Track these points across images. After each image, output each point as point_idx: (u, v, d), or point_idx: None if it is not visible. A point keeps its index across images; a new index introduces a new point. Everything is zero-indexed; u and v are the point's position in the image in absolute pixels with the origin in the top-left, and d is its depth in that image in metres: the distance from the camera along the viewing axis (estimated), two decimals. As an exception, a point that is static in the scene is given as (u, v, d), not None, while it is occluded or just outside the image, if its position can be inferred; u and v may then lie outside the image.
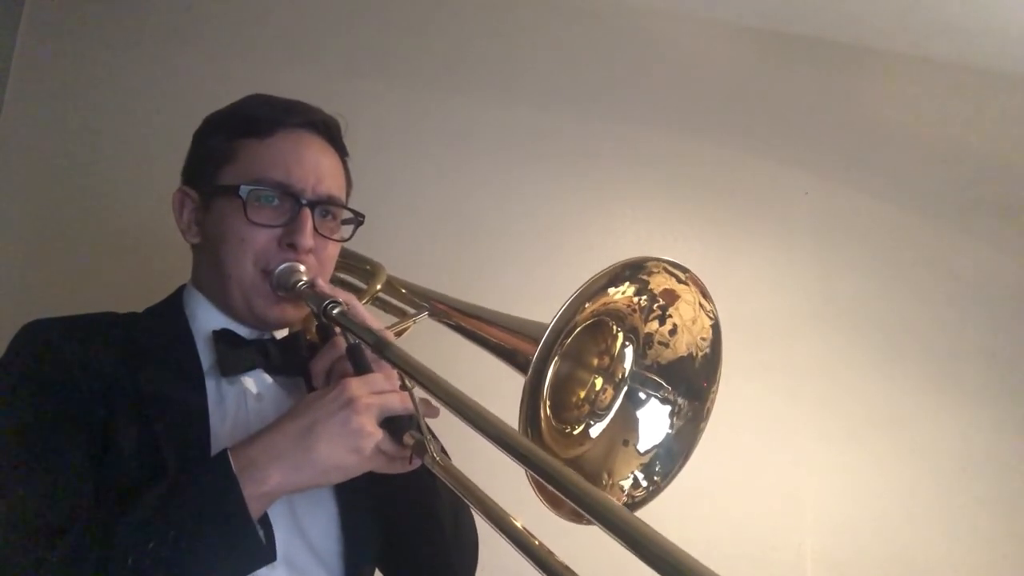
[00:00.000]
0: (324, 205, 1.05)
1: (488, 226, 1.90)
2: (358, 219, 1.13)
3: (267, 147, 1.03)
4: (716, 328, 1.01)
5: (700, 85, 2.10)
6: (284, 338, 1.07)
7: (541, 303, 1.81)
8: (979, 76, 2.21)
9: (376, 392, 0.86)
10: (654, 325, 1.01)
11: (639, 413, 1.02)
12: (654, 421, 1.02)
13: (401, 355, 0.85)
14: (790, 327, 1.98)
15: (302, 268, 1.00)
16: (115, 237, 1.67)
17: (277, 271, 1.00)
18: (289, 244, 1.00)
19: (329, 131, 1.09)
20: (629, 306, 1.00)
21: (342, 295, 0.97)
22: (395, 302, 1.25)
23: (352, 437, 0.82)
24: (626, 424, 1.02)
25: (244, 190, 1.00)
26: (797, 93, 2.14)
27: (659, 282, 0.97)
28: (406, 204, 1.85)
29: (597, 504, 0.61)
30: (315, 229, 1.02)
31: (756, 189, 2.06)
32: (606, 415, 1.03)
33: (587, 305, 0.94)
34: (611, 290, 0.96)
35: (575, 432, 1.02)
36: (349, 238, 1.13)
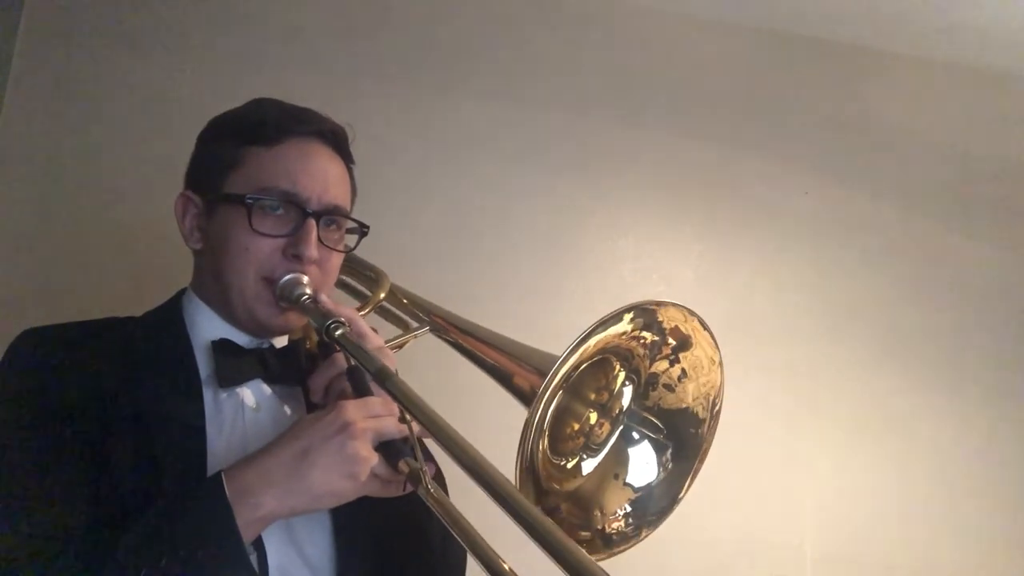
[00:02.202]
0: (329, 215, 1.04)
1: (489, 228, 1.90)
2: (363, 229, 1.12)
3: (274, 155, 1.02)
4: (718, 400, 1.00)
5: (700, 85, 2.10)
6: (283, 347, 1.06)
7: (542, 303, 1.84)
8: (979, 76, 2.21)
9: (373, 416, 0.85)
10: (663, 365, 1.00)
11: (632, 451, 1.02)
12: (647, 461, 1.01)
13: (402, 388, 0.84)
14: (789, 327, 1.99)
15: (306, 280, 0.99)
16: (115, 238, 1.67)
17: (281, 282, 0.99)
18: (294, 255, 0.99)
19: (336, 140, 1.08)
20: (637, 343, 0.99)
21: (345, 312, 0.96)
22: (396, 312, 1.24)
23: (347, 463, 0.81)
24: (618, 459, 1.02)
25: (249, 199, 0.99)
26: (797, 93, 2.14)
27: (671, 316, 0.96)
28: (407, 205, 1.84)
29: (576, 564, 0.62)
30: (319, 239, 1.01)
31: (756, 189, 2.06)
32: (600, 451, 1.02)
33: (593, 343, 0.92)
34: (619, 326, 0.95)
35: (569, 465, 1.02)
36: (354, 248, 1.12)
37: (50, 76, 1.73)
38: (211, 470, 0.89)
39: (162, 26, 1.81)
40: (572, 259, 1.93)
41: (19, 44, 1.72)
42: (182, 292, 1.09)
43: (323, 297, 0.99)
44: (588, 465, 1.01)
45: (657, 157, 2.02)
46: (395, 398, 0.85)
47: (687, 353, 0.98)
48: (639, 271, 1.96)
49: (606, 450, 1.02)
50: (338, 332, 0.92)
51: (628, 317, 0.93)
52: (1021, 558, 1.91)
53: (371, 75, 1.90)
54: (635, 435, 1.02)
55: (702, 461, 1.00)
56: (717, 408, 1.00)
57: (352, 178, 1.12)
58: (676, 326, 0.97)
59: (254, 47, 1.84)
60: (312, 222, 1.00)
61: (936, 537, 1.90)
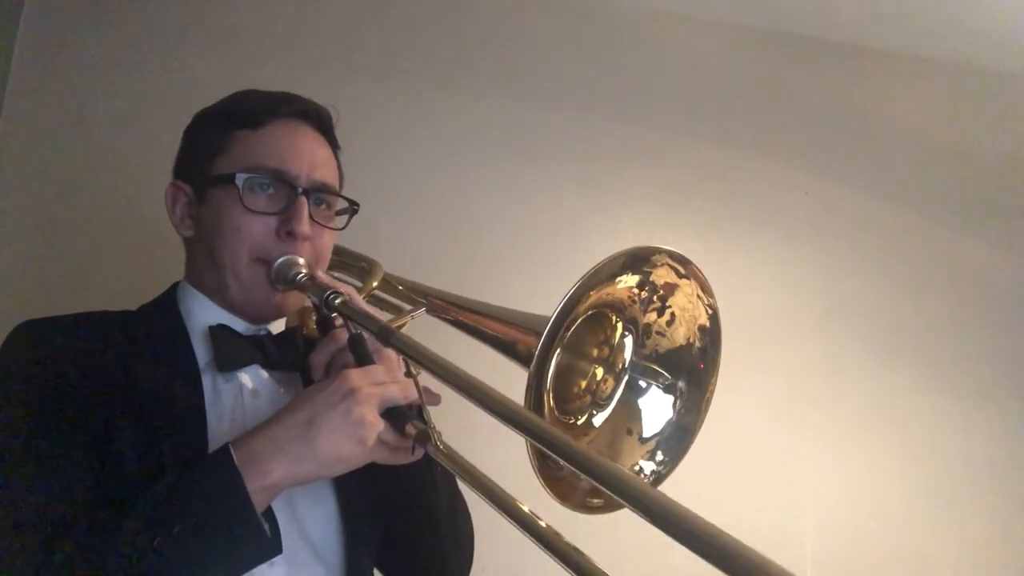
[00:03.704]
0: (319, 193, 1.05)
1: (488, 227, 1.90)
2: (353, 207, 1.12)
3: (260, 136, 1.03)
4: (714, 318, 1.00)
5: (700, 85, 2.10)
6: (281, 333, 1.07)
7: (543, 304, 1.82)
8: (979, 76, 2.21)
9: (377, 383, 0.85)
10: (652, 316, 1.00)
11: (641, 402, 1.02)
12: (656, 409, 1.01)
13: (406, 341, 0.85)
14: (790, 327, 1.98)
15: (301, 261, 1.00)
16: (115, 236, 1.67)
17: (276, 265, 0.99)
18: (287, 232, 1.00)
19: (321, 122, 1.10)
20: (630, 297, 0.99)
21: (342, 287, 0.97)
22: (391, 299, 1.24)
23: (354, 428, 0.82)
24: (628, 413, 1.02)
25: (240, 178, 0.99)
26: (797, 93, 2.14)
27: (661, 275, 0.97)
28: (406, 205, 1.85)
29: (620, 480, 0.60)
30: (311, 217, 1.02)
31: (756, 189, 2.06)
32: (608, 405, 1.02)
33: (590, 294, 0.93)
34: (613, 280, 0.96)
35: (578, 423, 1.02)
36: (344, 227, 1.13)
37: (50, 76, 1.73)
38: None
39: (162, 26, 1.81)
40: (572, 259, 1.90)
41: (19, 44, 1.73)
42: (176, 284, 1.10)
43: (320, 274, 1.00)
44: (598, 419, 1.02)
45: (657, 157, 2.02)
46: (401, 352, 0.85)
47: (673, 299, 0.99)
48: (639, 271, 1.95)
49: (614, 403, 1.02)
50: (338, 301, 0.93)
51: (620, 266, 0.94)
52: (1021, 558, 1.91)
53: (371, 74, 1.91)
54: (641, 384, 1.02)
55: (712, 390, 1.01)
56: (717, 331, 1.00)
57: (339, 163, 1.13)
58: (666, 282, 0.98)
59: (255, 46, 1.84)
60: (303, 199, 1.01)
61: (936, 537, 1.90)
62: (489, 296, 1.80)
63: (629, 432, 1.01)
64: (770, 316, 1.98)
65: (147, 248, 1.63)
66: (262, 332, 1.06)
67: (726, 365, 1.91)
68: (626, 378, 1.03)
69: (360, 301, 0.97)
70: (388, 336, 0.86)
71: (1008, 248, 2.13)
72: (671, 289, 0.98)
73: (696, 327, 1.00)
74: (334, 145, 1.12)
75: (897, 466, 1.93)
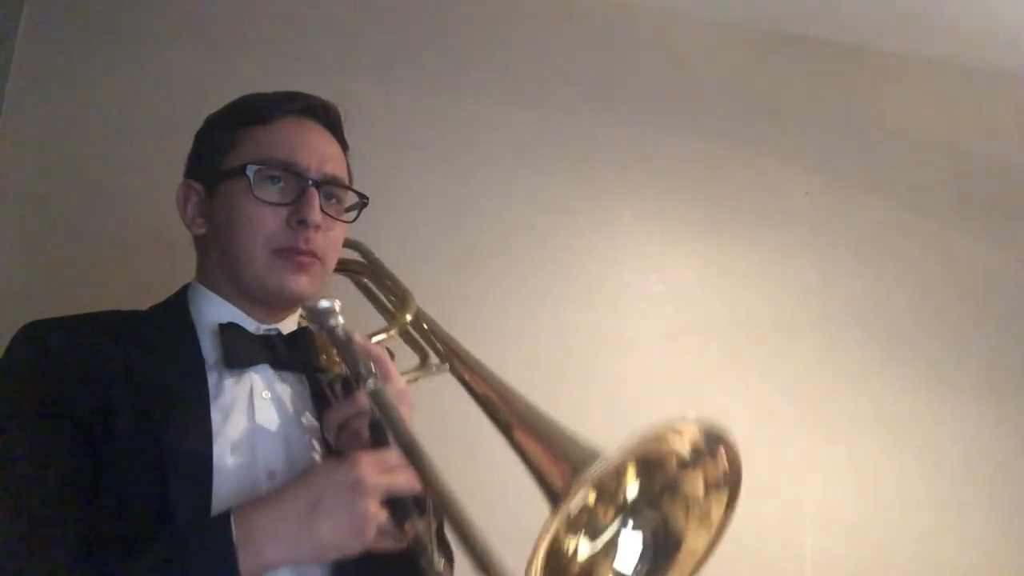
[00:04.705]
0: (329, 186, 1.05)
1: (488, 228, 1.89)
2: (363, 201, 1.13)
3: (270, 131, 1.04)
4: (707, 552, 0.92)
5: (700, 85, 2.10)
6: (291, 333, 1.06)
7: (541, 303, 1.83)
8: (979, 76, 2.21)
9: (387, 470, 0.84)
10: (694, 485, 0.92)
11: (623, 540, 0.93)
12: (632, 552, 0.93)
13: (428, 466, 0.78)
14: (790, 327, 1.98)
15: (338, 307, 0.93)
16: (116, 237, 1.67)
17: (316, 306, 0.92)
18: (299, 221, 1.00)
19: (329, 118, 1.10)
20: (672, 461, 0.92)
21: (374, 352, 0.93)
22: (416, 337, 1.19)
23: (356, 520, 0.82)
24: (611, 543, 0.92)
25: (250, 169, 1.00)
26: (797, 93, 2.14)
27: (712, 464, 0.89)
28: (405, 205, 1.84)
29: None
30: (321, 210, 1.02)
31: (756, 189, 2.06)
32: (599, 537, 0.92)
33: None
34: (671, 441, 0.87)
35: (569, 552, 0.91)
36: (354, 220, 1.13)
37: (50, 76, 1.73)
38: (216, 454, 0.90)
39: (162, 26, 1.81)
40: (572, 259, 1.93)
41: (19, 44, 1.72)
42: (187, 286, 1.10)
43: (357, 338, 0.93)
44: (584, 549, 0.91)
45: (657, 157, 2.02)
46: (421, 476, 0.79)
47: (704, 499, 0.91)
48: (639, 271, 1.96)
49: (606, 537, 0.92)
50: (370, 388, 0.87)
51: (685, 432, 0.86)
52: (1021, 558, 1.91)
53: (371, 74, 1.90)
54: (632, 527, 0.93)
55: None
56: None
57: (347, 161, 1.13)
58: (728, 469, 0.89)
59: (255, 47, 1.84)
60: (313, 190, 1.02)
61: (937, 538, 1.90)
62: (488, 295, 1.81)
63: (606, 555, 0.91)
64: (770, 316, 1.98)
65: (148, 249, 1.63)
66: (272, 332, 1.05)
67: (727, 363, 1.89)
68: (623, 516, 0.92)
69: (388, 368, 0.94)
70: (409, 452, 0.80)
71: (1008, 248, 2.13)
72: (733, 483, 0.91)
73: (702, 541, 0.91)
74: (343, 143, 1.13)
75: (897, 465, 1.93)
